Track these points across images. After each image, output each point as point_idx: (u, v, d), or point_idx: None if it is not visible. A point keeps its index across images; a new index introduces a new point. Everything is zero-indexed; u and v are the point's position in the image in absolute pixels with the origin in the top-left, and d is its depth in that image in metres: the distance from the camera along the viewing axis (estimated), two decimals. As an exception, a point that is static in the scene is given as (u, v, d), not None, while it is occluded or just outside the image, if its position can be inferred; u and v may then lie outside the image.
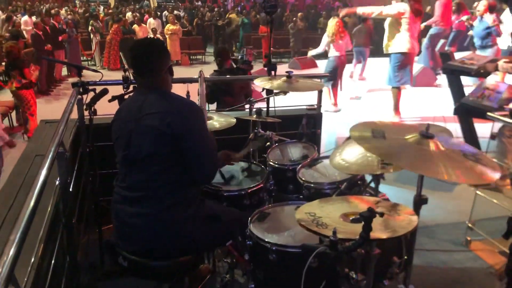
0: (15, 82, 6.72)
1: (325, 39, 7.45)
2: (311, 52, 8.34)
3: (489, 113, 3.39)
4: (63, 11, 16.51)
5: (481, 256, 3.34)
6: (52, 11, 13.61)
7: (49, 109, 8.56)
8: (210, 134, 2.29)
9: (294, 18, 14.90)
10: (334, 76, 7.51)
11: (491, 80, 4.33)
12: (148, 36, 13.02)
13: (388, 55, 6.43)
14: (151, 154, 1.98)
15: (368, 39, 10.16)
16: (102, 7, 19.92)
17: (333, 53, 7.43)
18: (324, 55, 7.95)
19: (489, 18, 7.63)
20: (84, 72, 3.05)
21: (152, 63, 2.07)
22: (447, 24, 9.14)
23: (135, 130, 2.02)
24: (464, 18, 9.24)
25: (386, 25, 6.41)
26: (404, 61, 6.19)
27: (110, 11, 18.18)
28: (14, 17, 12.98)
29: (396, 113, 6.56)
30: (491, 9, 7.68)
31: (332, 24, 7.38)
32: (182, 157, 2.01)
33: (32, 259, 1.70)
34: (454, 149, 1.71)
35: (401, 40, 6.13)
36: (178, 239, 2.02)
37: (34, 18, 12.86)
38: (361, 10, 6.64)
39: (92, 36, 13.96)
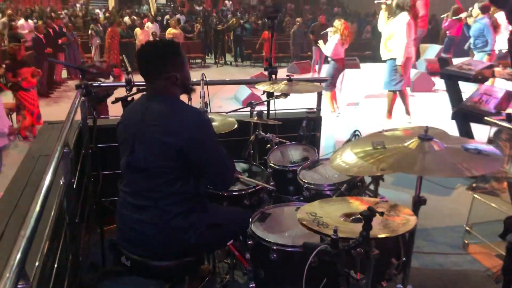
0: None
1: (334, 39, 7.38)
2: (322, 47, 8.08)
3: (486, 118, 3.43)
4: (63, 15, 16.58)
5: (478, 259, 3.37)
6: (53, 14, 13.69)
7: (49, 111, 8.59)
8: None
9: (297, 23, 14.95)
10: (334, 80, 7.55)
11: (488, 85, 4.39)
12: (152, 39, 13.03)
13: (384, 60, 6.47)
14: (155, 167, 1.99)
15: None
16: (102, 11, 19.97)
17: (334, 56, 7.43)
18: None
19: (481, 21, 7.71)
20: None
21: (150, 67, 2.04)
22: (426, 25, 9.24)
23: (139, 139, 2.01)
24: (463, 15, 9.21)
25: (383, 30, 6.43)
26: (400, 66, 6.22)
27: (107, 15, 18.21)
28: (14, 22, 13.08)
29: (388, 117, 6.62)
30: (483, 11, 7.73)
31: (340, 23, 7.37)
32: (187, 169, 2.02)
33: (38, 256, 1.73)
34: (455, 146, 1.75)
35: (397, 46, 6.14)
36: (180, 246, 2.06)
37: (30, 21, 12.96)
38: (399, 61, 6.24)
39: (91, 39, 13.99)
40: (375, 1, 6.80)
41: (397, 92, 6.49)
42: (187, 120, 1.98)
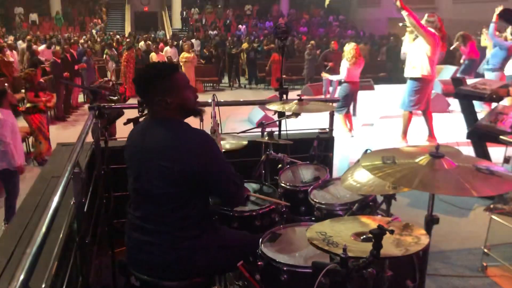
0: (23, 106, 7.03)
1: (345, 64, 7.44)
2: (330, 77, 8.29)
3: (501, 137, 3.38)
4: (82, 40, 17.01)
5: (498, 282, 3.26)
6: (72, 40, 14.07)
7: (66, 134, 8.72)
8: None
9: (309, 45, 15.05)
10: (347, 103, 7.52)
11: (504, 104, 4.34)
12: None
13: (403, 80, 6.40)
14: (162, 193, 1.98)
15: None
16: (118, 36, 20.44)
17: (347, 78, 7.45)
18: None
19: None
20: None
21: (141, 92, 2.07)
22: (445, 47, 9.19)
23: (144, 165, 2.01)
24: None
25: (409, 49, 6.36)
26: (421, 86, 6.15)
27: (128, 40, 18.63)
28: (34, 46, 13.45)
29: (404, 138, 6.51)
30: None
31: (350, 48, 7.40)
32: (195, 193, 2.01)
33: (46, 276, 1.72)
34: (466, 165, 1.71)
35: (422, 65, 6.01)
36: (189, 267, 2.04)
37: (50, 48, 13.36)
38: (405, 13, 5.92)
39: (107, 64, 14.30)
40: (400, 24, 6.72)
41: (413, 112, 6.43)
42: (190, 143, 1.96)
